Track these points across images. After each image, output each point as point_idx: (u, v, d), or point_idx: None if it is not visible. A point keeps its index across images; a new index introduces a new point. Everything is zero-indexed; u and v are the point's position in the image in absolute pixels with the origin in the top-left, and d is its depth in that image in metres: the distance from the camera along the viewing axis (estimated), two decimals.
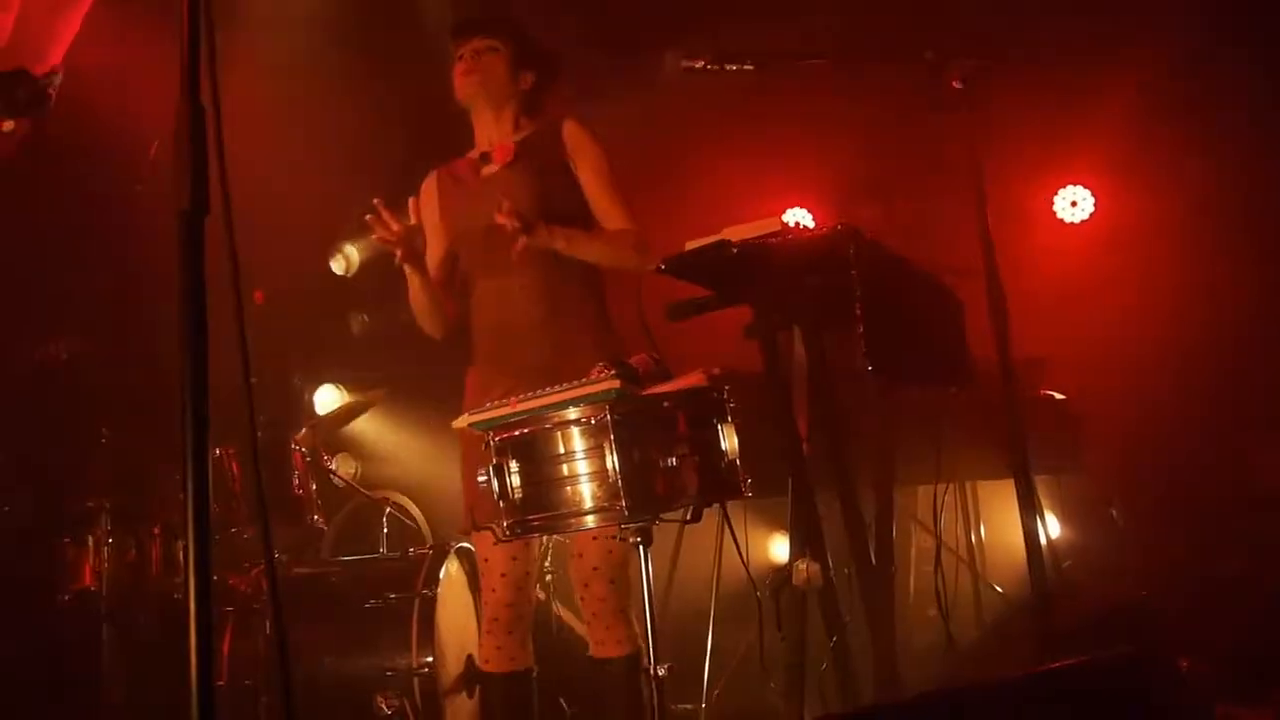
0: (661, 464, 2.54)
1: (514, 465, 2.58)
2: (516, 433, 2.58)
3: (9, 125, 2.32)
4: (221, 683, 3.88)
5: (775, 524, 5.75)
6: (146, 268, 4.18)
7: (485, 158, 3.28)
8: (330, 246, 5.86)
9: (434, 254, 3.30)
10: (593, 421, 2.51)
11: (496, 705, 3.16)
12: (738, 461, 2.71)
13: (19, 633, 3.95)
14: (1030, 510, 2.91)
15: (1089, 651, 2.84)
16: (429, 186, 3.33)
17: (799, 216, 6.62)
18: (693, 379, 2.72)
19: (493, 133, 3.27)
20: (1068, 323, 5.43)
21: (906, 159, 6.10)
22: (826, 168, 6.25)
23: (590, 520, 2.53)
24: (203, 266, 1.62)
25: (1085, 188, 6.23)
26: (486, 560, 3.12)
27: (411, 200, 3.13)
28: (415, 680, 3.86)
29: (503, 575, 3.11)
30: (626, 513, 2.48)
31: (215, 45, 1.71)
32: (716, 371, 4.42)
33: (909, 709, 2.03)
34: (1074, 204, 6.24)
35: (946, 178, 4.81)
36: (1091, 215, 6.20)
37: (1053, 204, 6.26)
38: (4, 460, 4.02)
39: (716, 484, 2.63)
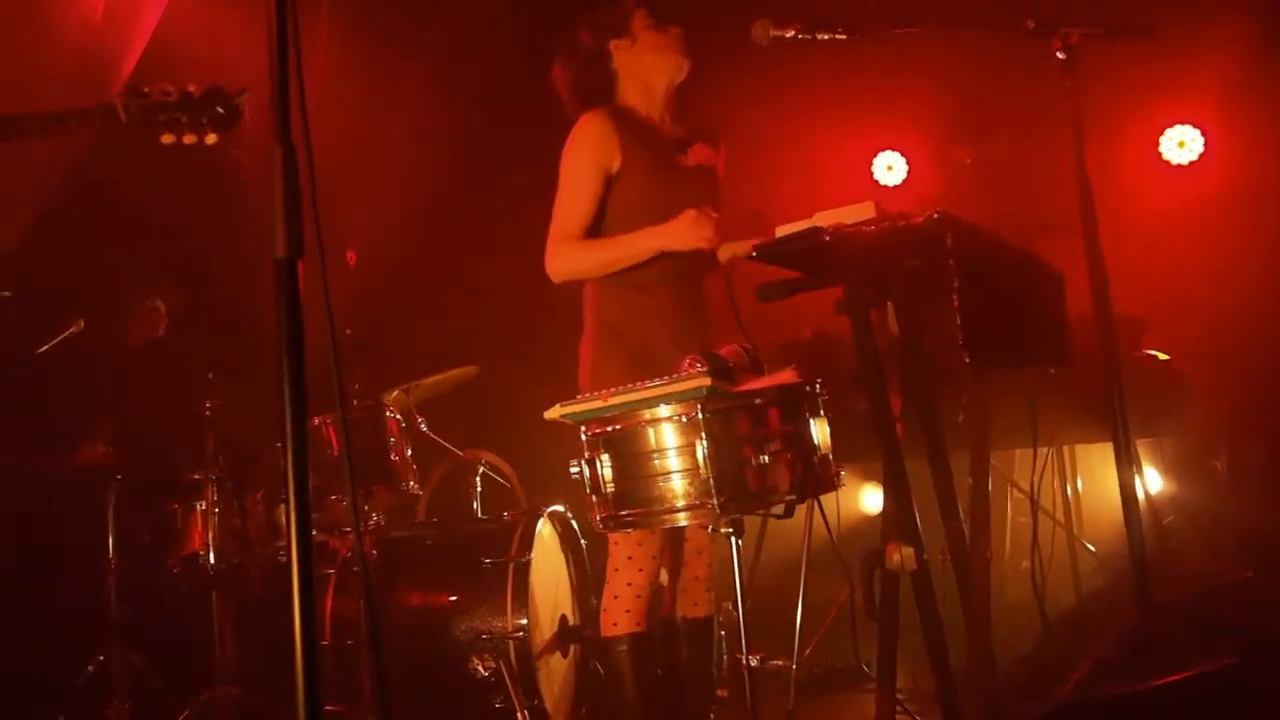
0: (754, 461, 2.55)
1: (606, 459, 2.60)
2: (609, 428, 2.59)
3: (212, 138, 2.62)
4: (325, 642, 4.01)
5: (867, 476, 5.73)
6: (245, 240, 4.25)
7: (681, 144, 3.30)
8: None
9: (596, 195, 3.18)
10: (684, 419, 2.52)
11: (639, 662, 3.18)
12: (830, 455, 2.71)
13: (136, 597, 4.13)
14: (1128, 474, 2.83)
15: (1189, 627, 2.79)
16: (607, 126, 3.17)
17: (890, 160, 6.50)
18: (784, 375, 2.70)
19: (655, 108, 3.30)
20: (1171, 275, 5.22)
21: (1001, 98, 5.89)
22: (919, 108, 6.07)
23: (682, 517, 2.56)
24: (300, 310, 1.64)
25: (1195, 127, 5.94)
26: (641, 544, 3.11)
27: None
28: (510, 643, 3.93)
29: (654, 558, 3.14)
30: (719, 510, 2.49)
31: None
32: (809, 333, 4.35)
33: None
34: (1181, 145, 5.95)
35: (1043, 116, 4.62)
36: (1201, 157, 5.92)
37: (1158, 145, 5.99)
38: (117, 433, 4.16)
39: (809, 479, 2.63)
